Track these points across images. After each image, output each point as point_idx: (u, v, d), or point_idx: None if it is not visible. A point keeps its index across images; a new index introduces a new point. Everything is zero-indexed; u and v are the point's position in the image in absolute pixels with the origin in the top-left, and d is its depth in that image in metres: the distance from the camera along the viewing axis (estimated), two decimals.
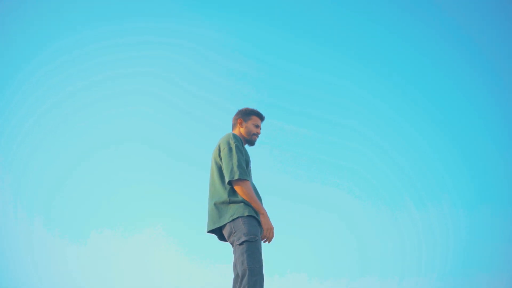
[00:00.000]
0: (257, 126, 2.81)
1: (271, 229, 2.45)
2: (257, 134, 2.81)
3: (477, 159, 8.15)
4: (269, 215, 2.46)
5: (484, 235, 7.26)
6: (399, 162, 8.32)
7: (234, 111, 2.86)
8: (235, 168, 2.44)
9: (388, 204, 8.01)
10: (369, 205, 7.99)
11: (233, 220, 2.39)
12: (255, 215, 2.43)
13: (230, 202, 2.45)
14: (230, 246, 2.48)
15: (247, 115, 2.83)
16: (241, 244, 2.30)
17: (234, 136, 2.63)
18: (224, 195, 2.48)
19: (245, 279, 2.21)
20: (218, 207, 2.49)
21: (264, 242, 2.47)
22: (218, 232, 2.55)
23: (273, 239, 2.49)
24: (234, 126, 2.86)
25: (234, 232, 2.37)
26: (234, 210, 2.42)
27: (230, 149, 2.53)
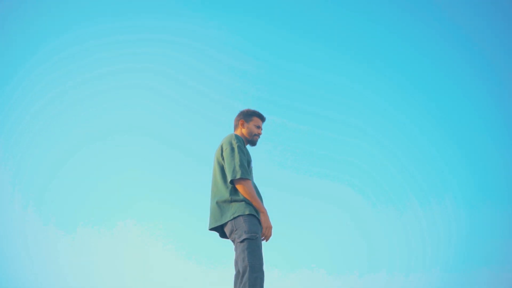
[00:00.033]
0: (258, 127, 2.87)
1: (270, 227, 2.51)
2: (258, 135, 2.86)
3: (478, 158, 8.22)
4: (274, 212, 2.52)
5: (485, 231, 7.34)
6: (404, 162, 8.40)
7: (234, 107, 2.91)
8: (237, 168, 2.50)
9: (394, 202, 8.11)
10: (376, 203, 8.10)
11: (234, 218, 2.46)
12: (256, 214, 2.48)
13: (231, 201, 2.51)
14: (232, 243, 2.53)
15: (249, 116, 2.88)
16: (242, 241, 2.36)
17: (236, 136, 2.69)
18: (226, 194, 2.54)
19: (246, 275, 2.27)
20: (220, 205, 2.55)
21: (262, 240, 2.51)
22: (219, 229, 2.61)
23: (271, 238, 2.55)
24: (236, 127, 2.91)
25: (235, 230, 2.43)
26: (236, 209, 2.48)
27: (232, 149, 2.59)
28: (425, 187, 8.09)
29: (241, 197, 2.51)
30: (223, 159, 2.62)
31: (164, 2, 8.45)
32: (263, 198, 2.70)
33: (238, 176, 2.48)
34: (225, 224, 2.51)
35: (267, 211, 2.54)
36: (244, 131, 2.84)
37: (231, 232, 2.46)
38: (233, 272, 2.49)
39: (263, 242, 2.52)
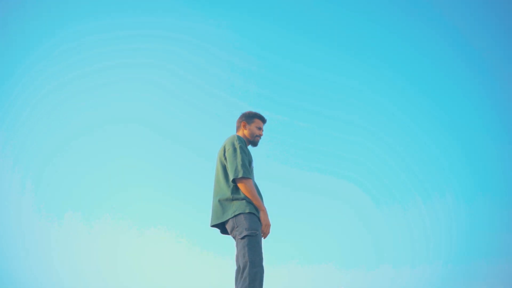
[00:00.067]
0: (260, 128, 2.95)
1: (268, 225, 2.61)
2: (259, 136, 2.95)
3: (477, 156, 8.37)
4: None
5: (484, 225, 7.48)
6: (406, 160, 8.55)
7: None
8: (239, 167, 2.60)
9: (397, 199, 8.28)
10: (380, 199, 8.29)
11: (235, 216, 2.55)
12: (256, 212, 2.58)
13: (233, 199, 2.61)
14: (232, 239, 2.62)
15: (250, 118, 2.96)
16: (242, 238, 2.46)
17: (238, 137, 2.78)
18: (227, 193, 2.64)
19: (246, 270, 2.37)
20: (222, 203, 2.65)
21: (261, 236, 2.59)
22: (221, 226, 2.71)
23: (269, 235, 2.64)
24: (238, 128, 3.00)
25: (236, 227, 2.53)
26: (237, 207, 2.57)
27: (234, 149, 2.68)
28: (427, 184, 8.26)
29: (242, 196, 2.60)
30: (225, 159, 2.71)
31: (171, 1, 8.56)
32: (263, 197, 2.78)
33: (240, 175, 2.58)
34: (227, 221, 2.61)
35: (268, 209, 2.62)
36: (246, 132, 2.93)
37: (232, 229, 2.56)
38: (234, 267, 2.57)
39: (263, 240, 2.60)
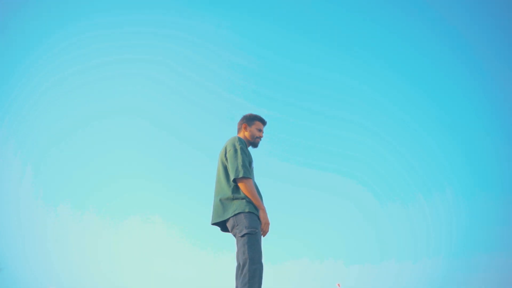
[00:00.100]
0: (260, 130, 3.00)
1: (267, 224, 2.68)
2: (260, 138, 3.00)
3: (476, 153, 8.50)
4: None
5: (483, 220, 7.62)
6: (407, 157, 8.70)
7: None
8: (240, 167, 2.67)
9: (399, 196, 8.44)
10: (383, 197, 8.46)
11: (235, 215, 2.63)
12: (255, 212, 2.65)
13: (233, 199, 2.68)
14: (232, 237, 2.69)
15: (251, 120, 3.01)
16: (242, 236, 2.54)
17: (239, 139, 2.84)
18: (228, 192, 2.71)
19: (246, 267, 2.46)
20: (223, 202, 2.72)
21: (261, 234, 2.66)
22: (221, 224, 2.78)
23: (268, 233, 2.71)
24: (239, 130, 3.04)
25: (237, 225, 2.60)
26: (237, 206, 2.65)
27: (235, 150, 2.75)
28: (427, 181, 8.43)
29: (242, 195, 2.67)
30: (226, 159, 2.77)
31: (174, 1, 8.66)
32: (264, 196, 2.84)
33: (240, 175, 2.65)
34: (227, 220, 2.69)
35: (275, 208, 2.72)
36: (246, 134, 2.98)
37: (233, 227, 2.64)
38: (233, 263, 2.64)
39: (263, 238, 2.68)
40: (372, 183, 8.52)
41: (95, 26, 8.15)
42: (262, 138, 3.04)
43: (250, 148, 2.99)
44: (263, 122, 3.06)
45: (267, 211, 2.73)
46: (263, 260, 2.56)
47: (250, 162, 2.82)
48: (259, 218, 2.67)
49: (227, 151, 2.80)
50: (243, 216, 2.62)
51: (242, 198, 2.68)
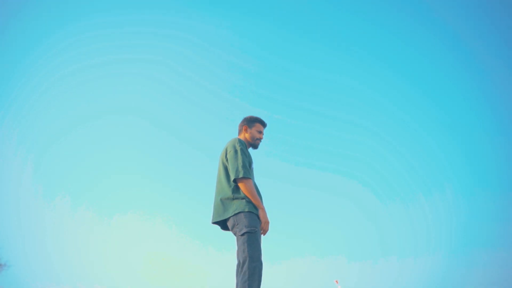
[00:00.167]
0: (260, 132, 3.05)
1: (267, 223, 2.74)
2: (260, 139, 3.04)
3: (475, 152, 8.62)
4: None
5: (482, 217, 7.72)
6: (407, 157, 8.83)
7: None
8: (240, 168, 2.73)
9: (399, 194, 8.55)
10: (383, 196, 8.58)
11: (235, 214, 2.69)
12: (255, 211, 2.71)
13: (234, 198, 2.74)
14: (232, 235, 2.75)
15: (252, 122, 3.06)
16: (242, 235, 2.61)
17: (240, 140, 2.90)
18: (228, 192, 2.77)
19: (246, 265, 2.53)
20: (223, 202, 2.78)
21: (260, 233, 2.72)
22: (221, 223, 2.84)
23: (268, 232, 2.77)
24: (239, 131, 3.09)
25: (237, 225, 2.67)
26: (237, 206, 2.71)
27: (235, 151, 2.81)
28: (427, 180, 8.55)
29: (242, 195, 2.73)
30: (227, 160, 2.83)
31: (175, 1, 8.72)
32: (263, 196, 2.89)
33: (240, 176, 2.71)
34: (228, 219, 2.75)
35: (277, 208, 2.79)
36: (247, 135, 3.02)
37: (233, 226, 2.70)
38: (234, 261, 2.71)
39: (263, 237, 2.76)
40: (372, 183, 8.66)
41: (95, 26, 8.24)
42: (262, 140, 3.09)
43: (250, 150, 3.04)
44: (263, 124, 3.10)
45: (268, 211, 2.78)
46: (263, 258, 2.62)
47: (250, 163, 2.87)
48: (258, 218, 2.73)
49: (228, 152, 2.86)
50: (243, 216, 2.68)
51: (242, 198, 2.74)
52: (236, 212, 2.70)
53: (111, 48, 8.29)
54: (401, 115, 8.85)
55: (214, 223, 2.86)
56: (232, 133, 3.16)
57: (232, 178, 2.76)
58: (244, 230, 2.63)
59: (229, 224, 2.76)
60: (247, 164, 2.80)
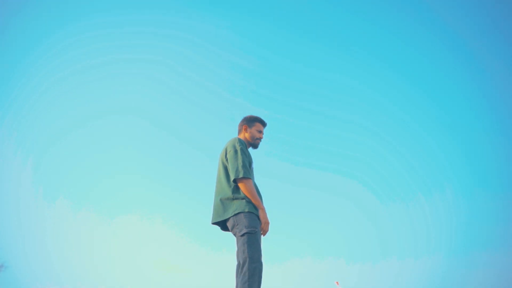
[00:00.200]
0: (260, 132, 3.03)
1: (267, 223, 2.72)
2: (260, 139, 3.03)
3: (475, 152, 8.63)
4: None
5: (482, 218, 7.72)
6: (407, 157, 8.83)
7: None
8: (240, 168, 2.71)
9: (400, 195, 8.56)
10: (383, 196, 8.59)
11: (235, 214, 2.68)
12: (255, 212, 2.69)
13: (233, 199, 2.72)
14: (231, 236, 2.73)
15: (251, 121, 3.05)
16: (242, 235, 2.59)
17: (239, 140, 2.88)
18: (228, 192, 2.75)
19: (246, 265, 2.51)
20: (223, 202, 2.76)
21: (260, 234, 2.71)
22: (221, 224, 2.82)
23: (268, 232, 2.75)
24: (239, 131, 3.07)
25: (237, 225, 2.65)
26: (237, 206, 2.69)
27: (235, 151, 2.79)
28: (428, 180, 8.56)
29: (242, 195, 2.72)
30: (227, 160, 2.81)
31: (175, 2, 8.73)
32: (263, 197, 2.87)
33: (240, 176, 2.69)
34: (227, 219, 2.73)
35: (277, 208, 2.79)
36: (247, 135, 3.01)
37: (233, 227, 2.68)
38: (234, 262, 2.68)
39: (263, 237, 2.74)
40: (372, 183, 8.66)
41: (95, 26, 8.25)
42: (262, 140, 3.07)
43: (250, 149, 3.03)
44: (263, 124, 3.09)
45: (268, 211, 2.77)
46: (263, 259, 2.61)
47: (250, 163, 2.86)
48: (258, 218, 2.72)
49: (228, 152, 2.84)
50: (243, 216, 2.66)
51: (242, 198, 2.72)
52: (236, 212, 2.69)
53: (111, 48, 8.29)
54: (401, 115, 8.85)
55: (214, 223, 2.84)
56: (232, 133, 3.14)
57: (232, 178, 2.74)
58: (244, 230, 2.61)
59: (229, 224, 2.74)
60: (247, 164, 2.78)
